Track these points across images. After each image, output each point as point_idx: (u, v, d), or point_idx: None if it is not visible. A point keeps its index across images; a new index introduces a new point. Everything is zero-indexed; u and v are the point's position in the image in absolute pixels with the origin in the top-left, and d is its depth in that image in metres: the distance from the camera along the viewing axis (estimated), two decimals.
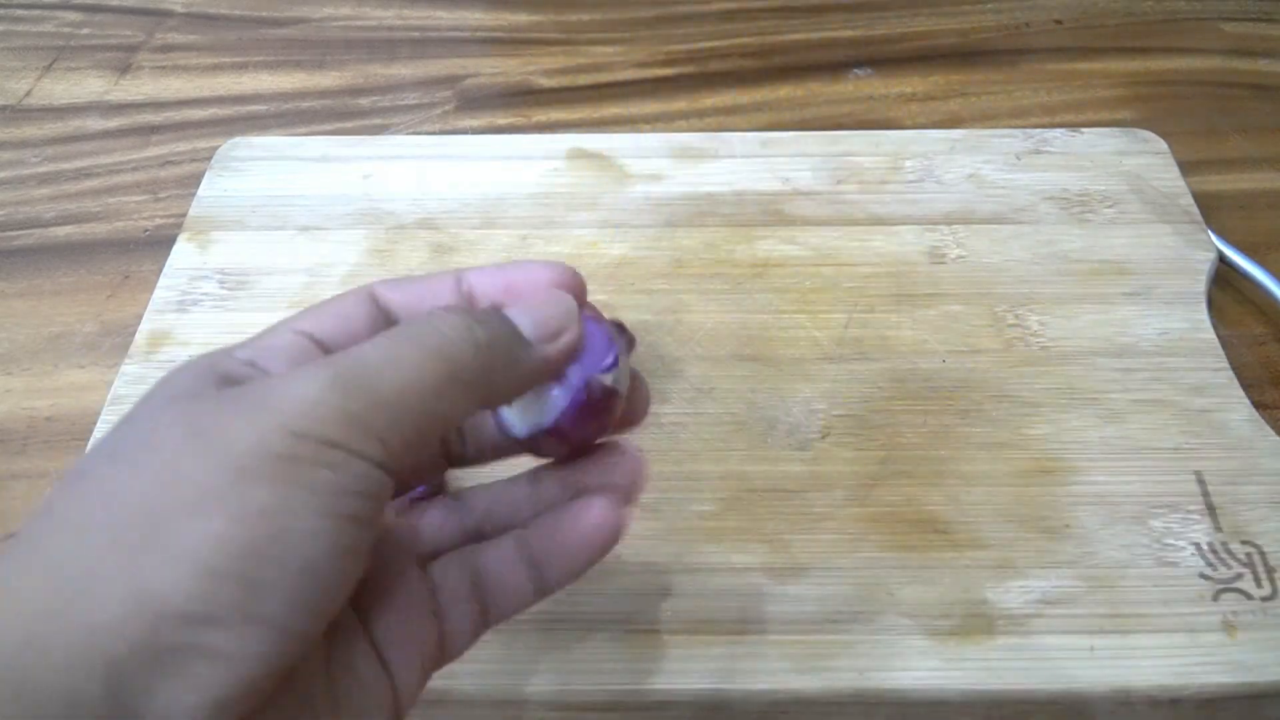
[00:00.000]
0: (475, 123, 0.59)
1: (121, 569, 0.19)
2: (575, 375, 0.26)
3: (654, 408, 0.30)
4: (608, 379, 0.26)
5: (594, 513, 0.27)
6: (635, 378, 0.28)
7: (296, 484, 0.20)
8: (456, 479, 0.34)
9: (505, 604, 0.27)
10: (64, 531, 0.20)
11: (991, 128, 0.56)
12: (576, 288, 0.27)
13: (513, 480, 0.29)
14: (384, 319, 0.27)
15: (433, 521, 0.29)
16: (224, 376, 0.23)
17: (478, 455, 0.30)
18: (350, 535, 0.21)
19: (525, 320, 0.25)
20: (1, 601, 0.20)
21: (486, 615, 0.27)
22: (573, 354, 0.26)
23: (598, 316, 0.28)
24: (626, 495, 0.28)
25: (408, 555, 0.27)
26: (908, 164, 0.52)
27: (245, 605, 0.20)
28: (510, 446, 0.29)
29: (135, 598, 0.19)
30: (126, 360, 0.44)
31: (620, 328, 0.28)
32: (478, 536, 0.29)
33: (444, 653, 0.27)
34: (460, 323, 0.24)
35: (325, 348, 0.25)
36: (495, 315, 0.25)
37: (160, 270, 0.48)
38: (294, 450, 0.21)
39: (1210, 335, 0.44)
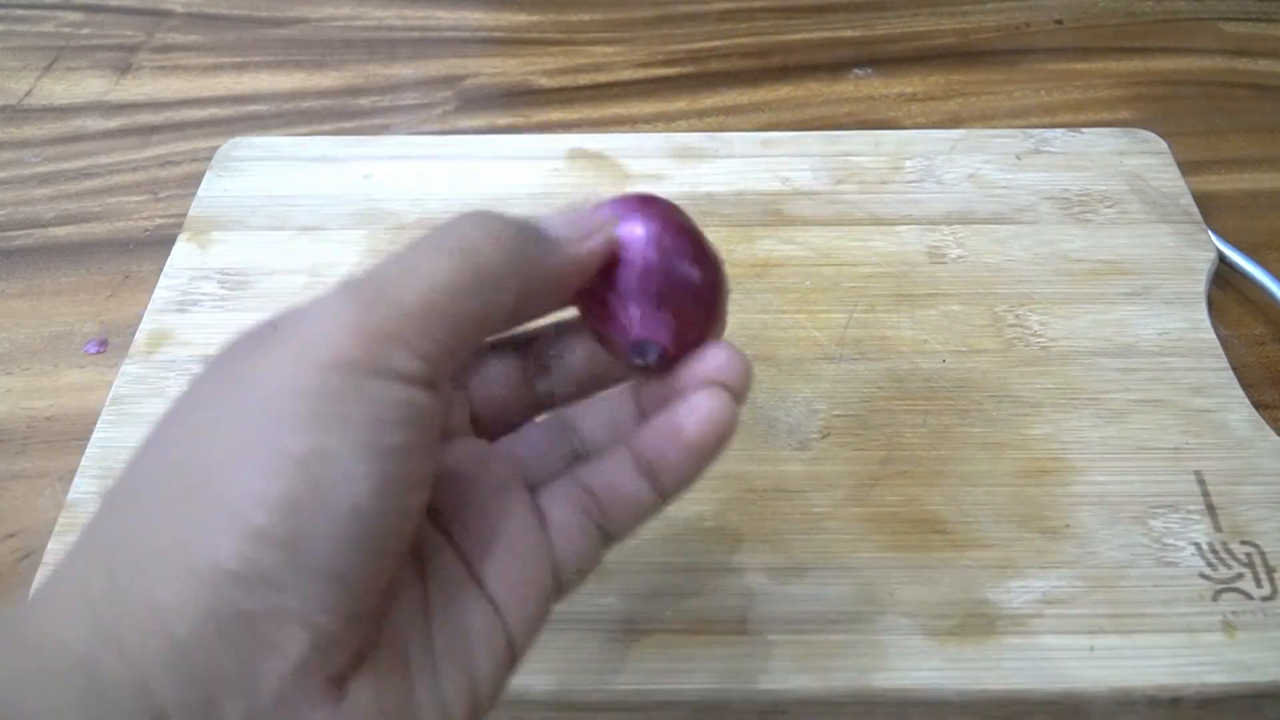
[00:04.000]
0: (475, 123, 0.59)
1: (174, 540, 0.19)
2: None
3: None
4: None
5: (704, 406, 0.26)
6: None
7: (332, 422, 0.19)
8: None
9: (625, 518, 0.27)
10: (119, 508, 0.20)
11: (991, 128, 0.56)
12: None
13: (612, 396, 0.28)
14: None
15: (535, 446, 0.28)
16: (271, 324, 0.22)
17: (566, 391, 0.28)
18: (396, 467, 0.20)
19: (554, 223, 0.24)
20: (69, 589, 0.19)
21: (606, 534, 0.27)
22: (607, 256, 0.25)
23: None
24: (734, 391, 0.26)
25: (512, 484, 0.26)
26: (908, 164, 0.52)
27: (296, 561, 0.19)
28: (600, 374, 0.28)
29: (190, 569, 0.18)
30: (126, 360, 0.44)
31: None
32: (581, 457, 0.28)
33: (560, 584, 0.26)
34: (480, 219, 0.23)
35: None
36: (519, 218, 0.24)
37: (160, 270, 0.48)
38: (325, 385, 0.19)
39: (1210, 335, 0.44)
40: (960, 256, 0.48)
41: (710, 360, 0.26)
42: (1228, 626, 0.35)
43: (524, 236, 0.23)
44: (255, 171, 0.52)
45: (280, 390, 0.20)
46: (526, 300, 0.24)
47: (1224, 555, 0.37)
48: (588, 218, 0.25)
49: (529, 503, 0.26)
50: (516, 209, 0.49)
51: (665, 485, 0.26)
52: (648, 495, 0.26)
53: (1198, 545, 0.37)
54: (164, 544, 0.19)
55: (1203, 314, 0.45)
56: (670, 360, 0.26)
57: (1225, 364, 0.43)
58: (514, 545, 0.25)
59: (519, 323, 0.26)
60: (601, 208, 0.26)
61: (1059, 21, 0.66)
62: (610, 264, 0.26)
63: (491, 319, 0.23)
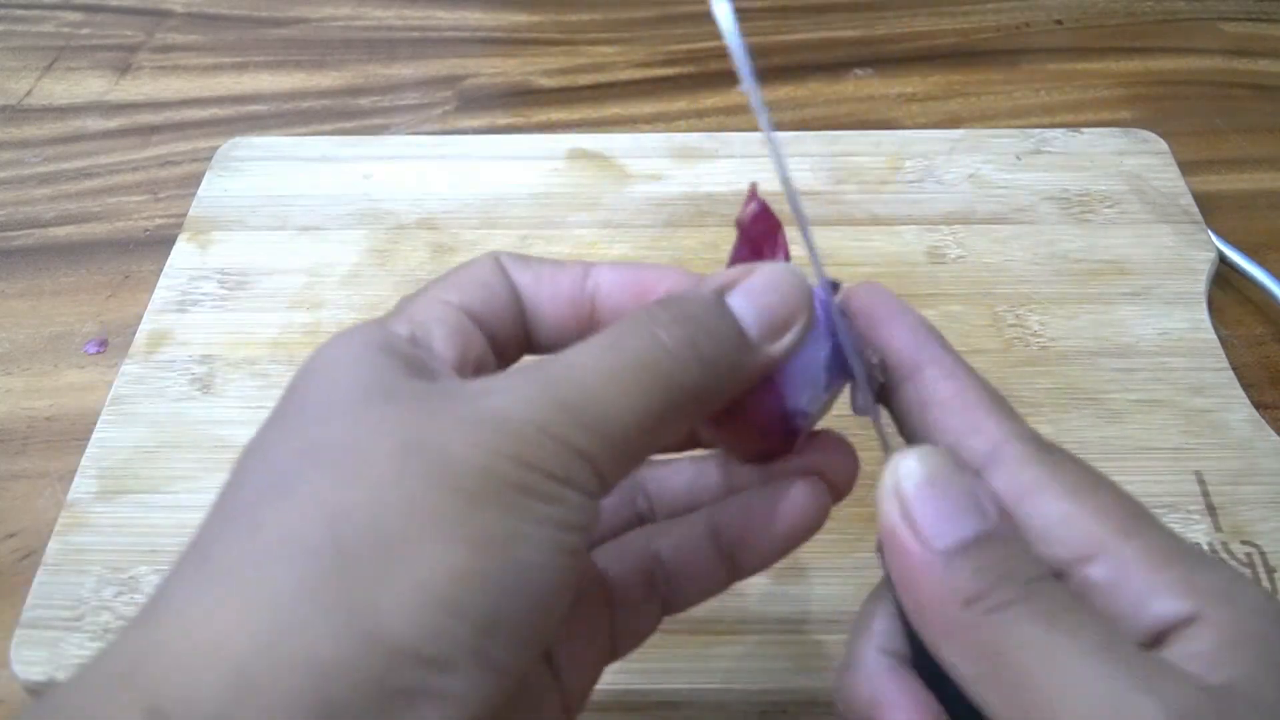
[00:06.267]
0: (475, 123, 0.59)
1: (347, 599, 0.17)
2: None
3: None
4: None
5: (802, 497, 0.24)
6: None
7: (528, 515, 0.19)
8: None
9: (690, 591, 0.25)
10: (272, 551, 0.18)
11: (991, 128, 0.56)
12: None
13: (700, 460, 0.27)
14: (514, 292, 0.24)
15: (604, 503, 0.26)
16: (401, 357, 0.21)
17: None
18: (572, 568, 0.19)
19: (749, 312, 0.22)
20: (201, 632, 0.17)
21: (666, 604, 0.25)
22: (798, 349, 0.23)
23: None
24: (833, 484, 0.25)
25: (589, 557, 0.25)
26: (908, 164, 0.52)
27: (480, 646, 0.18)
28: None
29: (364, 633, 0.17)
30: (126, 360, 0.44)
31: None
32: (649, 519, 0.27)
33: (616, 648, 0.25)
34: (684, 336, 0.21)
35: (476, 318, 0.23)
36: (718, 312, 0.22)
37: (160, 270, 0.48)
38: (521, 479, 0.19)
39: (1210, 335, 0.44)
40: (960, 256, 0.48)
41: (823, 450, 0.25)
42: None
43: (725, 353, 0.22)
44: (255, 171, 0.52)
45: (474, 470, 0.18)
46: (703, 416, 0.23)
47: (1224, 555, 0.37)
48: (787, 300, 0.23)
49: (592, 565, 0.25)
50: (517, 209, 0.50)
51: (741, 565, 0.25)
52: (719, 572, 0.25)
53: (1198, 545, 0.37)
54: (334, 601, 0.17)
55: (1203, 314, 0.45)
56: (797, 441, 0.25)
57: (1225, 364, 0.43)
58: (581, 612, 0.24)
59: None
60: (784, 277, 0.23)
61: (1059, 21, 0.66)
62: None
63: (671, 442, 0.22)
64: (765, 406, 0.23)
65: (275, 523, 0.18)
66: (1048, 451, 0.21)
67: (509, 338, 0.24)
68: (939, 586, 0.19)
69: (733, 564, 0.25)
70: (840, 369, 0.23)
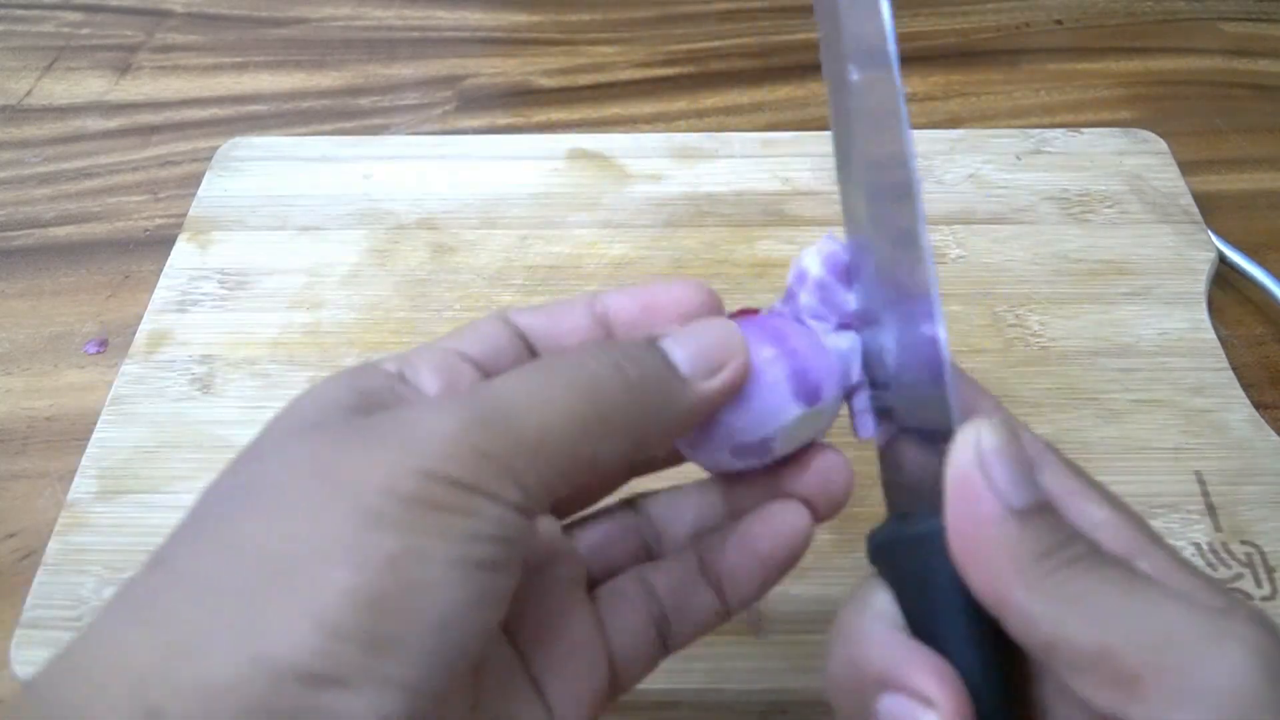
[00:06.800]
0: (475, 123, 0.59)
1: (238, 625, 0.18)
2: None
3: None
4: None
5: (774, 523, 0.25)
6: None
7: (426, 530, 0.19)
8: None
9: (685, 627, 0.26)
10: (177, 583, 0.19)
11: (991, 128, 0.56)
12: (715, 306, 0.25)
13: (703, 485, 0.27)
14: (523, 343, 0.25)
15: (608, 537, 0.27)
16: (363, 394, 0.22)
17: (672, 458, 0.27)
18: (486, 584, 0.19)
19: (681, 352, 0.23)
20: (110, 658, 0.18)
21: (664, 640, 0.26)
22: (736, 390, 0.23)
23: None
24: (822, 504, 0.26)
25: (573, 579, 0.25)
26: None
27: (371, 665, 0.18)
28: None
29: (252, 656, 0.17)
30: (126, 360, 0.44)
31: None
32: (656, 551, 0.27)
33: (616, 685, 0.25)
34: (608, 358, 0.22)
35: (470, 359, 0.24)
36: (647, 349, 0.23)
37: (160, 270, 0.48)
38: (423, 492, 0.19)
39: (1210, 335, 0.44)
40: (960, 256, 0.48)
41: (805, 466, 0.26)
42: None
43: (652, 380, 0.22)
44: (255, 171, 0.52)
45: (374, 489, 0.19)
46: (644, 443, 0.23)
47: (1224, 555, 0.37)
48: (718, 344, 0.23)
49: (587, 599, 0.25)
50: (517, 209, 0.50)
51: (729, 598, 0.26)
52: (714, 607, 0.26)
53: (1198, 545, 0.37)
54: (226, 627, 0.18)
55: (1203, 314, 0.45)
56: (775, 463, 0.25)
57: (1225, 364, 0.43)
58: (569, 644, 0.24)
59: (632, 462, 0.25)
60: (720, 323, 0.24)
61: (1059, 21, 0.66)
62: None
63: (603, 463, 0.22)
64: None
65: (184, 556, 0.19)
66: (1080, 467, 0.23)
67: None
68: (1013, 539, 0.20)
69: (724, 597, 0.26)
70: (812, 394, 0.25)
